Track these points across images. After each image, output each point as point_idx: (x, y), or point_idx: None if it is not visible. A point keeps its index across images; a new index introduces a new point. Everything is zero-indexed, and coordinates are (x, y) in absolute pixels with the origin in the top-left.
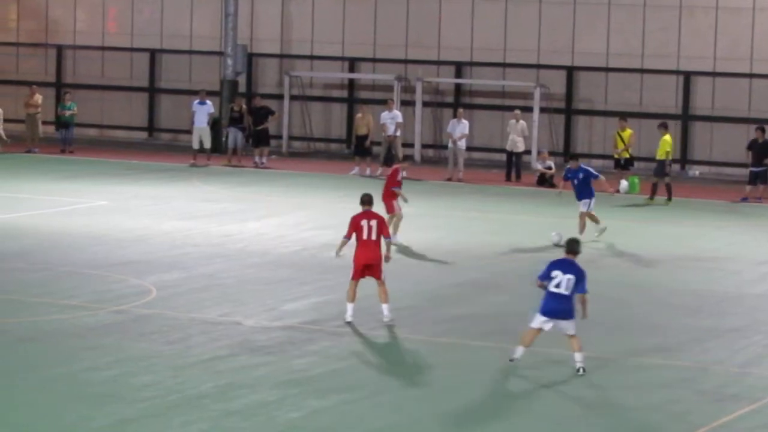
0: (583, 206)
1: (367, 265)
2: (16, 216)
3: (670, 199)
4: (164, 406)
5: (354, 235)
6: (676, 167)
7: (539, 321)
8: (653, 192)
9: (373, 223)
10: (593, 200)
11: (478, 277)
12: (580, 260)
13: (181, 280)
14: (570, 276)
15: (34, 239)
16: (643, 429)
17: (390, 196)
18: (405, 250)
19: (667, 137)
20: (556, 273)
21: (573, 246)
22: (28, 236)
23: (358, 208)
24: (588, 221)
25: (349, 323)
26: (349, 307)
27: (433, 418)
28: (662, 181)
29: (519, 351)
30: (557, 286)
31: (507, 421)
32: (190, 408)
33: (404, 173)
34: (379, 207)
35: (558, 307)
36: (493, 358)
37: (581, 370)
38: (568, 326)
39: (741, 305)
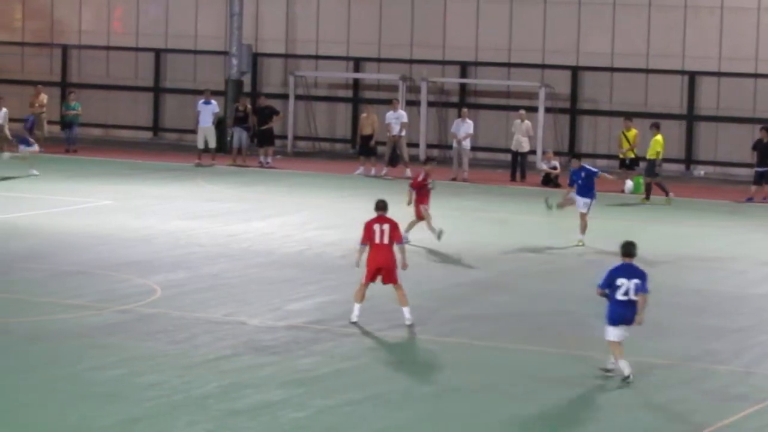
0: (583, 207)
1: (380, 269)
2: (21, 216)
3: (668, 195)
4: (169, 406)
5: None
6: (680, 167)
7: (616, 333)
8: (648, 192)
9: (386, 227)
10: (593, 202)
11: (483, 276)
12: (582, 261)
13: (185, 280)
14: (636, 280)
15: (38, 239)
16: (647, 429)
17: (417, 200)
18: (409, 251)
19: (659, 137)
20: (621, 281)
21: (630, 249)
22: (32, 236)
23: (362, 207)
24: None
25: (354, 323)
26: (356, 307)
27: (438, 417)
28: (653, 181)
29: (625, 366)
30: (626, 293)
31: (510, 420)
32: (196, 408)
33: (423, 175)
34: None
35: (628, 314)
36: (497, 357)
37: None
38: (627, 332)
39: (746, 305)
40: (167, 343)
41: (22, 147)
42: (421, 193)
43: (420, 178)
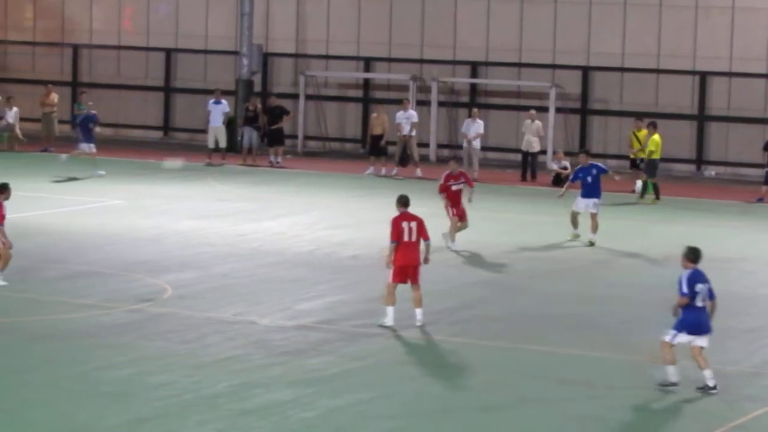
0: (593, 207)
1: (408, 267)
2: (32, 215)
3: (641, 196)
4: (179, 406)
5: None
6: (691, 167)
7: (686, 339)
8: (657, 192)
9: (413, 225)
10: (600, 201)
11: (494, 277)
12: (592, 261)
13: (196, 280)
14: (708, 285)
15: (49, 238)
16: (658, 429)
17: (451, 203)
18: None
19: (656, 137)
20: (700, 286)
21: (699, 255)
22: (43, 235)
23: (372, 207)
24: (571, 220)
25: (389, 327)
26: (390, 310)
27: (448, 417)
28: (652, 178)
29: (673, 372)
30: (703, 299)
31: (517, 419)
32: (205, 407)
33: (444, 177)
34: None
35: (705, 321)
36: (506, 358)
37: (715, 387)
38: (705, 338)
39: (756, 306)
40: (177, 342)
41: (81, 146)
42: (450, 194)
43: (442, 181)
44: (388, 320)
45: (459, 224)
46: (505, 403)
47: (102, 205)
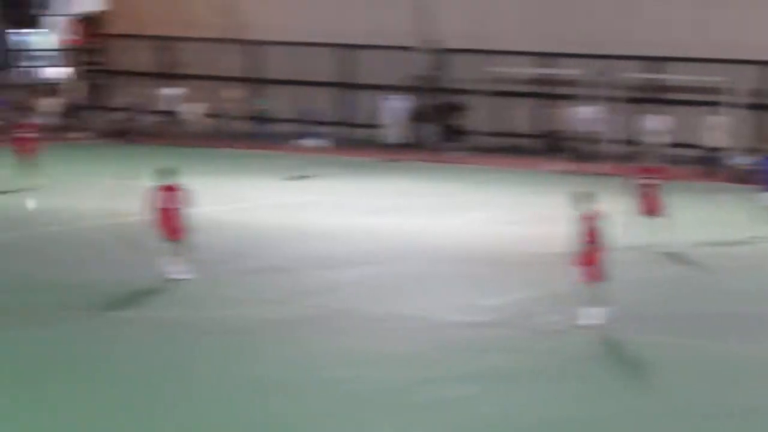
0: None
1: (596, 267)
2: (212, 210)
3: None
4: (356, 401)
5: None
6: None
7: None
8: None
9: (600, 224)
10: None
11: (678, 274)
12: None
13: (374, 275)
14: None
15: (234, 233)
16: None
17: (647, 200)
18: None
19: None
20: None
21: None
22: (221, 230)
23: (549, 203)
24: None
25: (591, 325)
26: (589, 309)
27: (637, 414)
28: None
29: None
30: None
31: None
32: (383, 402)
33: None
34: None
35: None
36: (695, 357)
37: None
38: None
39: None
40: (353, 337)
41: (306, 141)
42: (639, 188)
43: (632, 175)
44: (591, 318)
45: (654, 218)
46: (704, 411)
47: (280, 202)
